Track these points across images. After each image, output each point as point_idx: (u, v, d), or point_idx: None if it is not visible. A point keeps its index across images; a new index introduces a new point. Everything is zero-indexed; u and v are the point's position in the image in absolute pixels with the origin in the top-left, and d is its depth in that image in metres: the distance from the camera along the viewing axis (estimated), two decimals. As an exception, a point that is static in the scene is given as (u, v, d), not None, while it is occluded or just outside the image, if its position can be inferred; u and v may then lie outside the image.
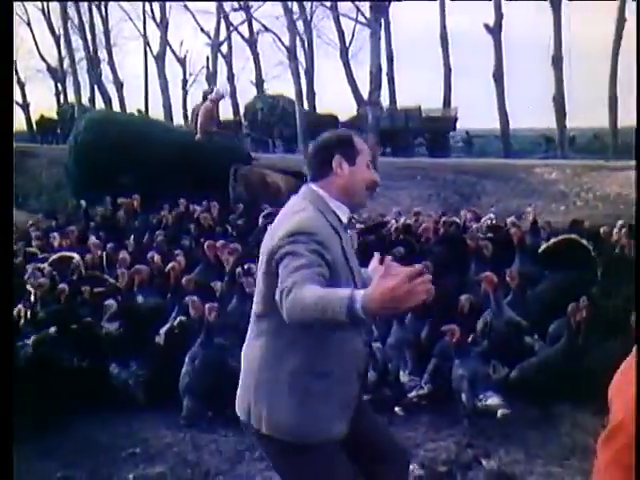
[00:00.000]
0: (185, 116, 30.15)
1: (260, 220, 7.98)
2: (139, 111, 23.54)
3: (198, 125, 11.83)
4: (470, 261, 6.34)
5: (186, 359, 4.71)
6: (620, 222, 8.58)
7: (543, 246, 6.51)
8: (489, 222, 8.06)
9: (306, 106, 25.44)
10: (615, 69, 21.24)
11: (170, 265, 5.93)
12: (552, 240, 6.50)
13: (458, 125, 23.80)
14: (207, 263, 6.42)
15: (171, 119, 24.53)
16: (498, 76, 22.09)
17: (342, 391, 2.54)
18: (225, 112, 26.86)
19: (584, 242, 6.30)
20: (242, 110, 25.88)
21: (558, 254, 6.23)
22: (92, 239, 7.53)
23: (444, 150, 22.24)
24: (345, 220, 2.60)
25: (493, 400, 4.45)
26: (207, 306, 4.93)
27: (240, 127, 22.36)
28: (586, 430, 4.24)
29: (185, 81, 31.99)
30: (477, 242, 6.47)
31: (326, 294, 2.17)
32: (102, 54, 31.03)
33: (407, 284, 2.05)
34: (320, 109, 26.27)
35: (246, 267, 5.86)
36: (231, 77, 30.45)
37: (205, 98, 12.72)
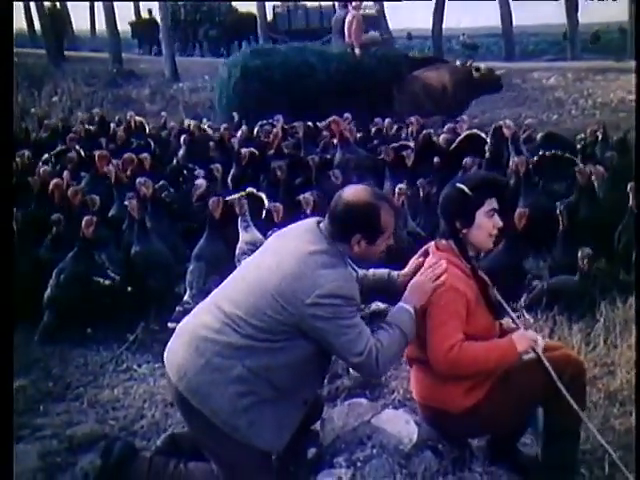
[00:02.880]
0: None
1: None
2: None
3: (353, 39, 12.53)
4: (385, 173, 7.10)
5: (54, 272, 5.37)
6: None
7: (452, 145, 7.22)
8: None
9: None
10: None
11: (53, 182, 6.56)
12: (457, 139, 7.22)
13: (453, 25, 24.17)
14: (94, 175, 7.11)
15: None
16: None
17: (287, 409, 3.17)
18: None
19: (483, 135, 7.00)
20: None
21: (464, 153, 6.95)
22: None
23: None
24: (355, 276, 3.24)
25: (378, 306, 5.10)
26: (85, 219, 5.55)
27: (156, 28, 22.76)
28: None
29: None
30: (391, 153, 7.15)
31: (401, 333, 3.16)
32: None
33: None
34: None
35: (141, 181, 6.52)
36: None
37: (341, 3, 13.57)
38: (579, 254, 5.12)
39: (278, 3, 23.83)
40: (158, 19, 22.81)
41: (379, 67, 12.46)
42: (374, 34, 14.07)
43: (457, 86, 12.47)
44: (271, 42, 23.17)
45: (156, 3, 22.43)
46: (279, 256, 3.15)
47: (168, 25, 19.55)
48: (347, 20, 12.82)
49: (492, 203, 3.26)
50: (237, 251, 5.56)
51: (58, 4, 23.23)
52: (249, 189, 6.26)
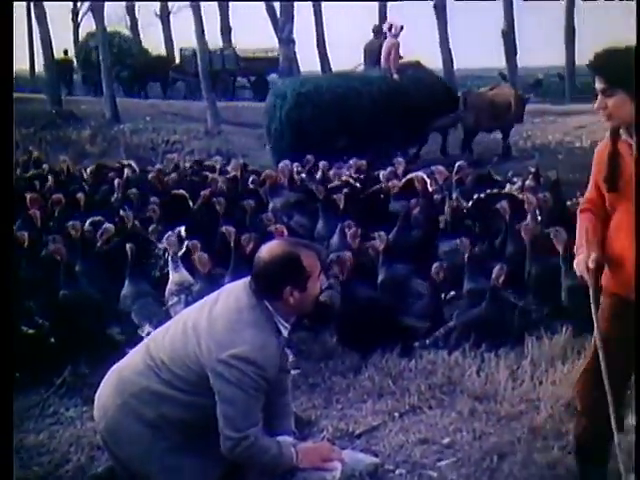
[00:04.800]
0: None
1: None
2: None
3: (391, 64, 13.52)
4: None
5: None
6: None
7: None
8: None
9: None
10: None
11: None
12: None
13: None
14: (25, 218, 7.15)
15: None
16: (440, 6, 22.80)
17: (206, 461, 3.24)
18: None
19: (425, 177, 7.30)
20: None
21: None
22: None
23: (264, 93, 23.71)
24: (285, 335, 3.30)
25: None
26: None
27: (71, 68, 23.08)
28: (388, 373, 5.06)
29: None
30: (322, 192, 7.48)
31: (278, 454, 3.21)
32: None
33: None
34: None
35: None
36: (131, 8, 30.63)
37: (375, 33, 14.35)
38: (493, 274, 5.38)
39: (186, 46, 24.70)
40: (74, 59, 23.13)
41: (416, 89, 13.50)
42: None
43: (518, 104, 13.90)
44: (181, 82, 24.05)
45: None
46: (210, 310, 3.25)
47: (108, 65, 19.57)
48: (385, 46, 13.66)
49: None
50: (166, 292, 5.61)
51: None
52: (179, 229, 6.31)
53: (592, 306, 3.27)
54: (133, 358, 3.39)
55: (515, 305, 5.55)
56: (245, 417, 3.11)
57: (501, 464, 3.93)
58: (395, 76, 13.50)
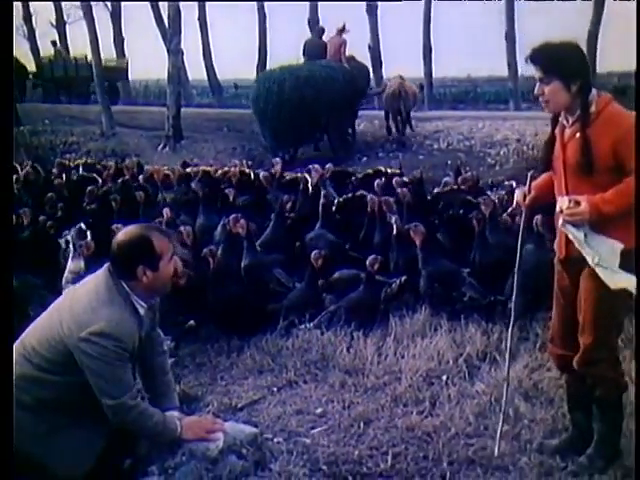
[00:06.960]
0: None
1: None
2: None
3: (342, 57, 14.69)
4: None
5: None
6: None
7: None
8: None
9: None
10: (429, 16, 22.88)
11: None
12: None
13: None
14: None
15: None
16: (314, 22, 22.92)
17: (85, 438, 3.17)
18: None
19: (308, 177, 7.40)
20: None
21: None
22: None
23: (116, 98, 24.16)
24: (142, 313, 3.22)
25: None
26: None
27: None
28: (268, 351, 5.09)
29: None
30: (200, 191, 7.59)
31: (162, 422, 3.24)
32: None
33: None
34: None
35: None
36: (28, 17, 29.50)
37: (315, 32, 15.66)
38: (367, 261, 5.50)
39: (43, 54, 25.24)
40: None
41: (359, 76, 15.02)
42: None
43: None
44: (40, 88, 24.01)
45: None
46: (72, 294, 3.26)
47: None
48: (335, 43, 14.81)
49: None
50: (63, 280, 5.53)
51: None
52: (79, 224, 6.18)
53: (520, 230, 3.70)
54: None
55: (385, 285, 5.60)
56: (116, 385, 3.10)
57: (367, 429, 4.01)
58: (346, 66, 14.61)
